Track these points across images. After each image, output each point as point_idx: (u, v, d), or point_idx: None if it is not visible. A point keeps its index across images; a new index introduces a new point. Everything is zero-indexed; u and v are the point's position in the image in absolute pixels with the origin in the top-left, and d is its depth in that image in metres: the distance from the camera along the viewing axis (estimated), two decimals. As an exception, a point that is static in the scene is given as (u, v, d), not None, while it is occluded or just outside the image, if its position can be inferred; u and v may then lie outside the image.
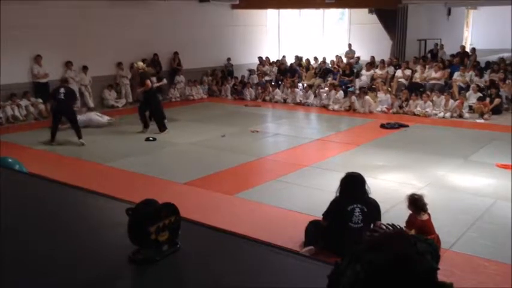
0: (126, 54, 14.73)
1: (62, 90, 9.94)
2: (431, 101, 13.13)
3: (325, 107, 14.25)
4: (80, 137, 9.93)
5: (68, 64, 13.48)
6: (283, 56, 18.35)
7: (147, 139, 10.33)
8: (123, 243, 2.01)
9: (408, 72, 14.92)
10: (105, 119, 11.96)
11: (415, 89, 13.96)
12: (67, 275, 1.95)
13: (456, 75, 14.27)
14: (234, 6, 18.05)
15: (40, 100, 12.84)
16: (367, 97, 13.58)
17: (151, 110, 10.97)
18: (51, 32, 12.88)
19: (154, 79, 11.36)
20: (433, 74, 14.40)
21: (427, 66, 14.80)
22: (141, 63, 11.30)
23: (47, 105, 13.02)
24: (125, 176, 7.86)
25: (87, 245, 2.23)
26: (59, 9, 12.99)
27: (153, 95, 10.97)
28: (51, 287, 1.87)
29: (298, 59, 18.29)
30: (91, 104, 13.88)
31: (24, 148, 9.63)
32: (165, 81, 11.77)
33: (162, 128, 10.86)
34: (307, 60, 17.88)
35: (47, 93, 13.05)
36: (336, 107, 13.93)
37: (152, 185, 7.33)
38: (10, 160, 5.90)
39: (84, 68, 13.76)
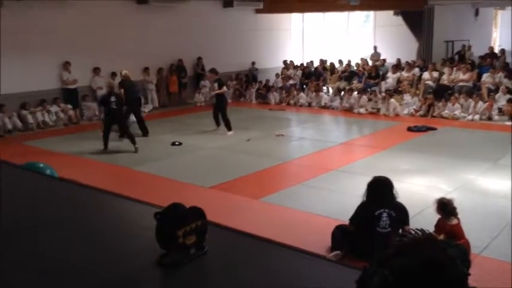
0: (152, 59, 14.93)
1: (113, 98, 9.75)
2: (460, 103, 12.90)
3: (350, 110, 14.15)
4: (134, 142, 9.85)
5: (96, 70, 13.73)
6: (311, 61, 18.28)
7: (173, 143, 10.38)
8: (151, 246, 2.04)
9: (435, 74, 14.69)
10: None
11: (443, 92, 13.74)
12: (96, 277, 1.99)
13: (485, 76, 13.99)
14: (258, 11, 18.12)
15: (69, 106, 13.11)
16: (392, 100, 13.43)
17: (222, 112, 11.43)
18: (79, 38, 13.15)
19: (216, 85, 11.62)
20: (461, 76, 14.14)
21: (454, 68, 14.56)
22: (125, 71, 11.39)
23: (76, 112, 13.31)
24: (152, 180, 7.95)
25: (116, 248, 2.27)
26: (87, 15, 13.26)
27: (222, 99, 11.53)
28: (81, 289, 1.91)
29: (323, 62, 18.22)
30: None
31: (54, 153, 9.84)
32: (225, 88, 11.65)
33: (229, 127, 11.40)
34: (332, 64, 17.80)
35: (76, 99, 13.33)
36: (362, 110, 13.82)
37: (178, 189, 7.39)
38: (41, 165, 6.03)
39: (113, 74, 13.98)
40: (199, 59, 16.40)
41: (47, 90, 12.89)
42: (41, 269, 2.06)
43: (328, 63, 18.05)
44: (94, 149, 10.12)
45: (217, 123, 11.64)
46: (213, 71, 11.82)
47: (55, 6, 12.60)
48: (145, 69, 14.98)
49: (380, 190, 4.91)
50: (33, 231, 2.47)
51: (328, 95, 15.67)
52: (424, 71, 15.07)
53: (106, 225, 2.62)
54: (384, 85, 15.44)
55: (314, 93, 15.37)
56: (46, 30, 12.42)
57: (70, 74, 13.16)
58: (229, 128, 11.34)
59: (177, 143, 10.37)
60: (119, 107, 9.83)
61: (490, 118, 12.29)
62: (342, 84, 16.22)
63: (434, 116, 12.87)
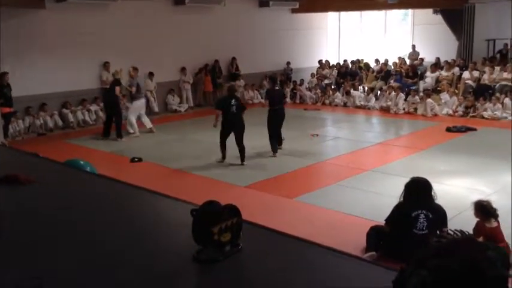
0: (189, 59, 15.11)
1: (234, 102, 8.57)
2: (501, 103, 12.51)
3: (387, 110, 13.95)
4: (243, 159, 8.67)
5: (135, 70, 13.98)
6: (345, 60, 18.13)
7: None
8: (187, 242, 2.08)
9: (476, 73, 14.30)
10: (149, 126, 11.96)
11: (484, 91, 13.36)
12: (134, 271, 2.04)
13: (528, 76, 13.52)
14: (293, 10, 18.07)
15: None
16: (429, 100, 13.15)
17: (272, 129, 9.49)
18: (118, 39, 13.44)
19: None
20: (504, 75, 13.71)
21: (495, 68, 14.13)
22: (116, 70, 11.37)
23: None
24: (188, 179, 8.05)
25: (154, 244, 2.32)
26: (125, 16, 13.53)
27: (269, 114, 9.51)
28: (119, 281, 1.96)
29: (358, 61, 18.02)
30: (156, 109, 14.33)
31: (94, 151, 10.10)
32: (263, 102, 10.26)
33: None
34: (366, 64, 17.56)
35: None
36: (399, 109, 13.60)
37: (214, 188, 7.46)
38: (82, 162, 6.21)
39: (150, 74, 14.22)
40: (234, 59, 16.49)
41: (88, 89, 13.23)
42: (83, 261, 2.13)
43: (363, 63, 17.84)
44: (132, 147, 10.33)
45: (274, 148, 9.36)
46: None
47: (95, 7, 12.93)
48: (183, 69, 15.17)
49: (418, 191, 4.83)
50: (74, 225, 2.56)
51: (363, 95, 15.48)
52: (464, 70, 14.70)
53: (144, 221, 2.68)
54: (422, 84, 15.14)
55: (346, 94, 15.24)
56: (86, 31, 12.75)
57: (109, 74, 13.44)
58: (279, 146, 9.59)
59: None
60: (238, 112, 8.60)
61: (533, 119, 11.88)
62: (379, 83, 16.00)
63: (474, 116, 12.54)
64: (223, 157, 8.79)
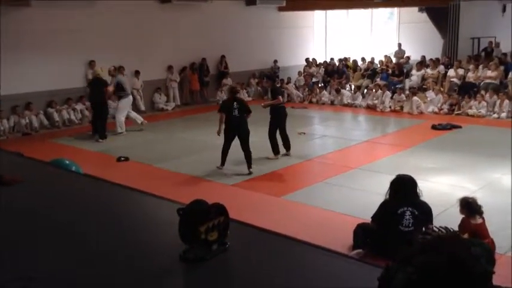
0: (175, 58, 15.05)
1: (236, 104, 7.98)
2: (486, 101, 12.66)
3: (373, 108, 14.02)
4: (250, 165, 8.09)
5: (121, 69, 13.89)
6: (331, 59, 18.20)
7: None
8: (174, 242, 2.07)
9: (461, 71, 14.45)
10: (140, 120, 12.00)
11: (469, 89, 13.50)
12: (121, 271, 2.03)
13: (512, 74, 13.69)
14: (280, 9, 18.07)
15: (94, 104, 13.29)
16: (415, 98, 13.26)
17: (281, 129, 9.09)
18: (104, 37, 13.33)
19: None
20: (488, 73, 13.86)
21: (480, 66, 14.28)
22: (99, 69, 11.23)
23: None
24: (175, 178, 8.02)
25: (141, 243, 2.31)
26: (111, 14, 13.42)
27: (279, 111, 9.00)
28: (106, 281, 1.95)
29: (345, 60, 18.10)
30: (142, 108, 14.25)
31: (79, 150, 10.01)
32: (280, 98, 9.15)
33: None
34: (355, 61, 17.66)
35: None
36: (385, 108, 13.68)
37: (201, 186, 7.44)
38: (67, 161, 6.15)
39: (137, 73, 14.13)
40: (223, 57, 16.46)
41: (73, 88, 13.10)
42: (67, 259, 2.12)
43: (350, 61, 17.93)
44: (118, 146, 10.26)
45: (276, 149, 8.98)
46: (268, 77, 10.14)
47: (81, 5, 12.80)
48: (169, 68, 15.10)
49: (403, 188, 4.87)
50: (59, 225, 2.53)
51: (350, 93, 15.56)
52: (450, 68, 14.84)
53: (130, 220, 2.66)
54: (408, 83, 15.25)
55: (335, 92, 15.28)
56: (72, 29, 12.63)
57: (95, 72, 13.32)
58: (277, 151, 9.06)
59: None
60: (241, 115, 8.03)
61: (517, 116, 12.04)
62: (365, 82, 16.09)
63: (459, 114, 12.67)
64: (223, 163, 8.22)
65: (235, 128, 7.98)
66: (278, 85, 10.06)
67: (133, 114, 11.93)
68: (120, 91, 11.44)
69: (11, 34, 11.44)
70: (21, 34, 11.76)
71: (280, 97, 8.96)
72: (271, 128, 9.00)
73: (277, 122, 8.97)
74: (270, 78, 9.94)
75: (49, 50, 12.34)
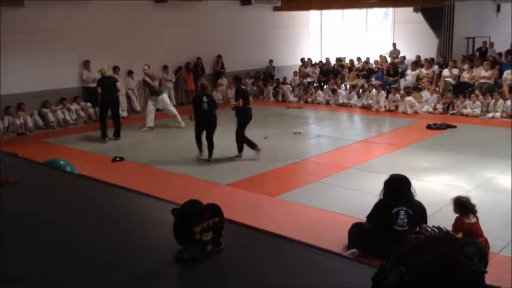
0: (171, 57, 15.02)
1: (205, 99, 8.82)
2: (480, 101, 12.71)
3: (368, 108, 14.06)
4: (211, 154, 8.82)
5: (116, 69, 13.86)
6: (327, 59, 18.23)
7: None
8: (169, 242, 2.07)
9: (456, 71, 14.50)
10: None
11: (463, 89, 13.55)
12: (116, 272, 2.02)
13: (506, 73, 13.73)
14: (275, 9, 18.08)
15: (89, 104, 13.26)
16: (409, 97, 13.29)
17: (238, 130, 9.14)
18: (99, 37, 13.29)
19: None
20: (483, 73, 13.92)
21: (475, 65, 14.34)
22: (105, 68, 11.18)
23: (96, 110, 13.44)
24: (170, 178, 8.01)
25: (135, 244, 2.30)
26: (106, 14, 13.38)
27: (242, 113, 9.07)
28: (100, 281, 1.95)
29: (340, 59, 18.13)
30: (138, 108, 14.22)
31: (74, 151, 9.98)
32: (241, 102, 9.08)
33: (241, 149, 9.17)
34: (351, 61, 17.70)
35: (95, 98, 13.47)
36: (380, 107, 13.72)
37: (196, 187, 7.43)
38: (62, 162, 6.14)
39: (130, 73, 14.10)
40: (219, 56, 16.45)
41: (68, 88, 13.06)
42: (62, 262, 2.11)
43: (346, 61, 17.96)
44: (114, 146, 10.23)
45: (241, 148, 9.17)
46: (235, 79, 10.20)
47: (75, 5, 12.75)
48: (165, 68, 15.07)
49: (397, 188, 4.89)
50: (54, 226, 2.53)
51: (346, 93, 15.59)
52: (444, 68, 14.89)
53: (125, 220, 2.66)
54: (403, 82, 15.29)
55: (332, 92, 15.30)
56: (67, 29, 12.59)
57: (90, 73, 13.30)
58: (240, 150, 9.18)
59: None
60: (210, 108, 8.77)
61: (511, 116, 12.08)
62: (360, 81, 16.12)
63: (453, 114, 12.72)
64: (200, 151, 9.00)
65: (204, 120, 8.83)
66: (244, 87, 10.04)
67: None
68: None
69: (4, 34, 11.38)
70: (15, 34, 11.71)
71: (241, 100, 8.97)
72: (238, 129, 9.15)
73: (239, 123, 9.11)
74: (236, 80, 10.00)
75: (43, 50, 12.30)
